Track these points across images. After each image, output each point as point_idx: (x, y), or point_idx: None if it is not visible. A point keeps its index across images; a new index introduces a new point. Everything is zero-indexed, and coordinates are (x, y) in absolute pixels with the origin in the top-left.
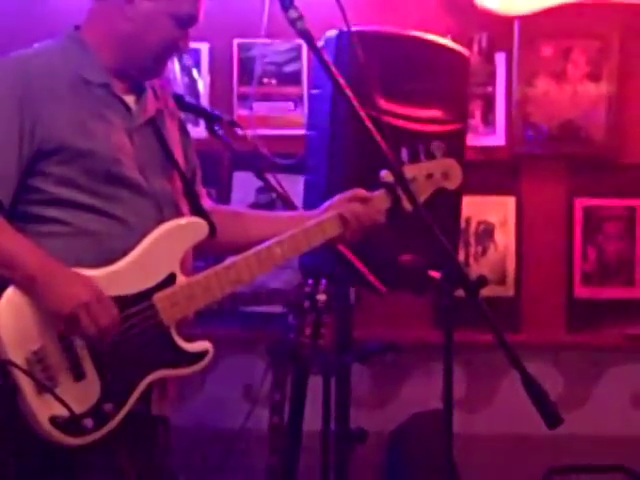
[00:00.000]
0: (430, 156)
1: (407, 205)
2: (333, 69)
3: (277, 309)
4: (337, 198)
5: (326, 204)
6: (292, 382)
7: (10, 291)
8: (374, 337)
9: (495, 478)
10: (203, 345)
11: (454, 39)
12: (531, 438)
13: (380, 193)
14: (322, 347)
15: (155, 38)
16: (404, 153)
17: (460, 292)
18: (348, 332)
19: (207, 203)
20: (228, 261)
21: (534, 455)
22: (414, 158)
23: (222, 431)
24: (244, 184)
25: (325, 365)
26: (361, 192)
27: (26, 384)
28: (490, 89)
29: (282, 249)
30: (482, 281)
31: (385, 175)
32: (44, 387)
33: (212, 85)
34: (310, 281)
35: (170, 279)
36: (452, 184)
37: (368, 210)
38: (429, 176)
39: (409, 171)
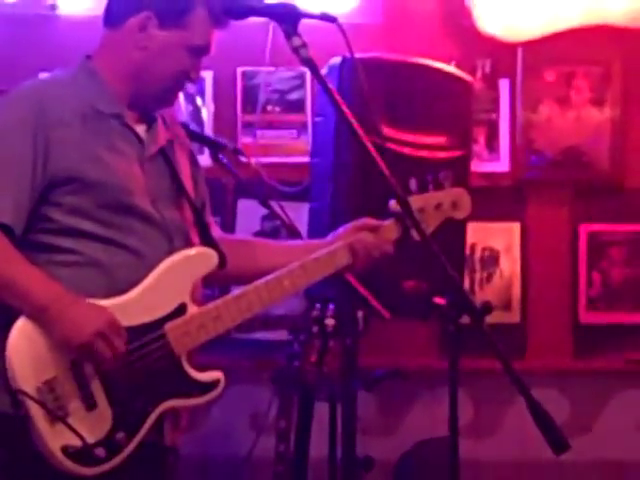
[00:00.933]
0: (439, 186)
1: (416, 235)
2: (337, 96)
3: (282, 336)
4: (346, 227)
5: (335, 233)
6: (298, 409)
7: (21, 321)
8: (380, 364)
9: None
10: (214, 375)
11: (458, 66)
12: (538, 464)
13: (389, 223)
14: (327, 374)
15: (168, 68)
16: (413, 183)
17: (465, 318)
18: (354, 359)
19: (216, 232)
20: (238, 291)
21: None
22: (423, 188)
23: (228, 459)
24: (248, 212)
25: (331, 392)
26: (370, 222)
27: (38, 414)
28: (494, 115)
29: (292, 279)
30: (487, 308)
31: (394, 205)
32: (56, 416)
33: (216, 113)
34: (318, 305)
35: (181, 309)
36: (461, 214)
37: (377, 241)
38: (438, 206)
39: (418, 201)
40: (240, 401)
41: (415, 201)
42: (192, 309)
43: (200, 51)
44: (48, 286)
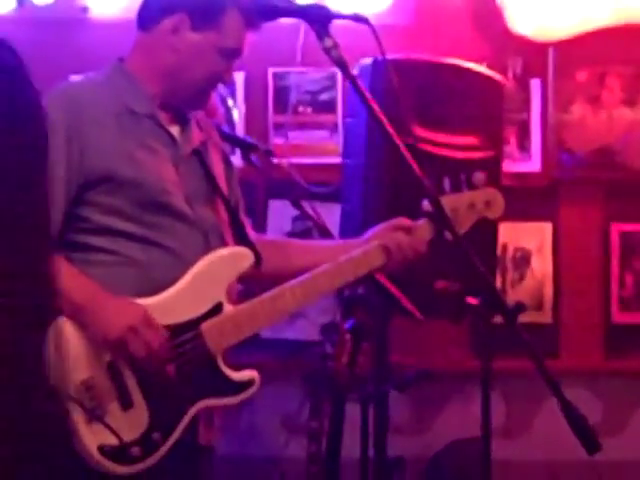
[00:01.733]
0: (472, 186)
1: (449, 235)
2: (368, 97)
3: (313, 336)
4: (380, 227)
5: (369, 232)
6: (330, 410)
7: (59, 321)
8: (411, 364)
9: None
10: (249, 374)
11: (489, 66)
12: (570, 465)
13: (423, 223)
14: (359, 375)
15: (200, 70)
16: (446, 183)
17: (497, 318)
18: (385, 360)
19: (251, 233)
20: (274, 290)
21: None
22: (456, 188)
23: (260, 460)
24: (280, 212)
25: (363, 393)
26: (405, 221)
27: (76, 413)
28: (525, 115)
29: (327, 279)
30: (520, 307)
31: (427, 205)
32: (94, 415)
33: (247, 114)
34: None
35: (217, 308)
36: (494, 213)
37: (412, 241)
38: (471, 206)
39: (451, 201)
40: (271, 401)
41: (448, 201)
42: (228, 308)
43: (232, 53)
44: (86, 287)
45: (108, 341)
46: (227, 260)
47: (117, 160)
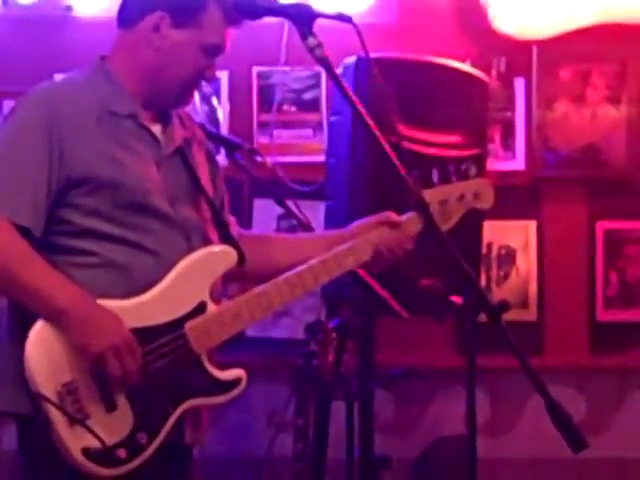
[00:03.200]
0: (461, 177)
1: (440, 226)
2: (352, 96)
3: (298, 335)
4: (366, 221)
5: (354, 226)
6: (315, 408)
7: (39, 324)
8: (397, 362)
9: None
10: (236, 373)
11: (473, 64)
12: (556, 462)
13: (411, 216)
14: (344, 373)
15: (182, 68)
16: (435, 174)
17: (482, 317)
18: (370, 358)
19: (235, 230)
20: (259, 288)
21: (559, 479)
22: (445, 179)
23: (246, 458)
24: (265, 211)
25: (348, 391)
26: (392, 216)
27: (57, 417)
28: (509, 114)
29: (313, 275)
30: (504, 306)
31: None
32: (75, 419)
33: (232, 113)
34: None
35: (200, 308)
36: (484, 204)
37: (398, 237)
38: (460, 197)
39: (440, 193)
40: (257, 400)
41: (437, 192)
42: (212, 307)
43: (215, 50)
44: (69, 290)
45: (88, 353)
46: (209, 259)
47: (97, 161)
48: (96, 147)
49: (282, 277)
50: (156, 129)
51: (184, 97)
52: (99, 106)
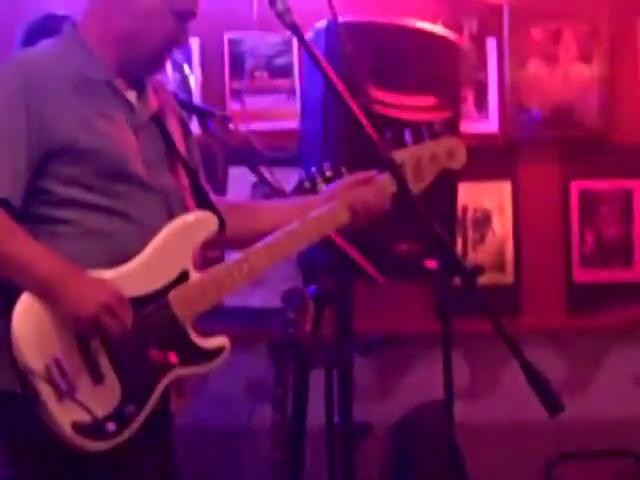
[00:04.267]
0: (434, 136)
1: (414, 187)
2: (322, 61)
3: (276, 304)
4: (340, 184)
5: (329, 190)
6: (294, 377)
7: (24, 298)
8: (375, 328)
9: (501, 465)
10: (219, 341)
11: (444, 25)
12: (535, 424)
13: (385, 176)
14: (322, 341)
15: (155, 34)
16: (407, 135)
17: (457, 281)
18: (348, 325)
19: (213, 197)
20: (240, 254)
21: (539, 441)
22: (418, 139)
23: (226, 428)
24: (239, 179)
25: (327, 359)
26: (363, 174)
27: (45, 391)
28: (482, 75)
29: (293, 239)
30: (478, 270)
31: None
32: (65, 393)
33: (204, 81)
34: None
35: (183, 276)
36: (457, 163)
37: (375, 196)
38: (433, 157)
39: (413, 152)
40: (236, 370)
41: (410, 152)
42: (194, 275)
43: (186, 14)
44: (52, 261)
45: (80, 317)
46: (191, 226)
47: (76, 130)
48: (74, 115)
49: (262, 243)
50: (131, 96)
51: (158, 63)
52: (74, 74)
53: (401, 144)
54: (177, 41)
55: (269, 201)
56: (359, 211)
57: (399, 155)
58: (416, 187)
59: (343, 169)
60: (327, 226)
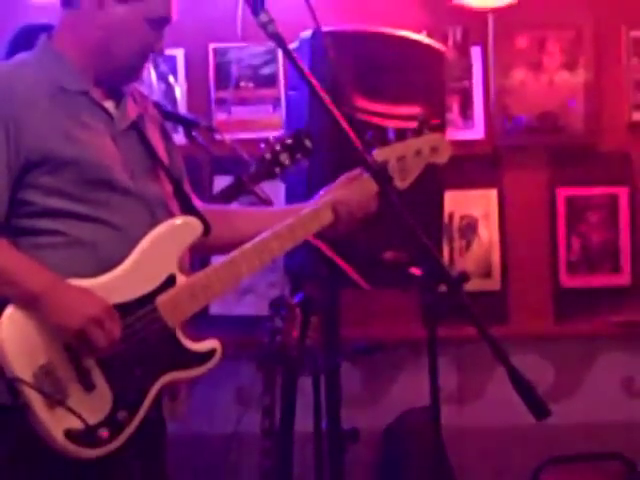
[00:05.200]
0: (417, 133)
1: (400, 184)
2: (305, 70)
3: (263, 312)
4: (327, 188)
5: (316, 196)
6: (282, 385)
7: (10, 309)
8: (362, 335)
9: (490, 470)
10: (210, 344)
11: (429, 34)
12: (525, 429)
13: (368, 176)
14: (310, 348)
15: (130, 43)
16: (391, 132)
17: (443, 287)
18: (335, 332)
19: (197, 203)
20: (227, 257)
21: (528, 446)
22: (401, 136)
23: (214, 436)
24: None
25: (314, 366)
26: (350, 174)
27: (36, 400)
28: (467, 83)
29: (279, 240)
30: (463, 277)
31: (376, 155)
32: (55, 400)
33: (189, 91)
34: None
35: (170, 280)
36: (441, 158)
37: (359, 197)
38: (418, 152)
39: (397, 149)
40: (224, 378)
41: (394, 149)
42: (181, 279)
43: (161, 22)
44: (39, 273)
45: (67, 330)
46: (175, 231)
47: (54, 140)
48: (51, 126)
49: (248, 244)
50: (109, 105)
51: (134, 72)
52: (50, 84)
53: (385, 142)
54: (152, 49)
55: (255, 207)
56: (342, 212)
57: (382, 152)
58: (402, 183)
59: (304, 136)
60: (311, 226)
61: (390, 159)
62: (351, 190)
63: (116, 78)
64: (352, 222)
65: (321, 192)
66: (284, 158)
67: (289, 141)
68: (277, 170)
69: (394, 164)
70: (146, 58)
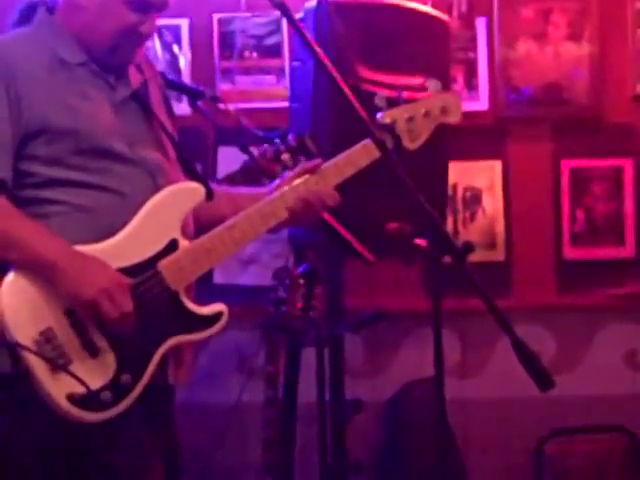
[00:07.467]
0: (393, 104)
1: (410, 145)
2: (311, 41)
3: (266, 282)
4: (290, 174)
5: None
6: (285, 355)
7: (11, 275)
8: (366, 306)
9: (493, 442)
10: (217, 307)
11: (434, 5)
12: (527, 401)
13: (332, 163)
14: (314, 319)
15: (110, 26)
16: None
17: (447, 258)
18: (339, 303)
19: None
20: (230, 221)
21: (530, 418)
22: (393, 103)
23: (217, 405)
24: (229, 159)
25: (318, 337)
26: (309, 164)
27: (38, 365)
28: (472, 54)
29: (284, 202)
30: (468, 247)
31: (384, 116)
32: (56, 365)
33: (193, 61)
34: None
35: (172, 245)
36: (452, 118)
37: (317, 189)
38: (427, 113)
39: (406, 110)
40: (228, 348)
41: (403, 110)
42: (184, 244)
43: (142, 5)
44: (54, 242)
45: (79, 300)
46: (178, 196)
47: (52, 110)
48: (50, 96)
49: (252, 208)
50: (109, 77)
51: (123, 55)
52: (49, 56)
53: (394, 103)
54: (138, 32)
55: (234, 187)
56: (295, 208)
57: (391, 114)
58: (412, 144)
59: (308, 140)
60: (270, 220)
61: (398, 120)
62: (307, 185)
63: (105, 60)
64: (311, 215)
65: (285, 176)
66: (287, 158)
67: (293, 144)
68: (279, 170)
69: (403, 125)
70: (131, 42)
